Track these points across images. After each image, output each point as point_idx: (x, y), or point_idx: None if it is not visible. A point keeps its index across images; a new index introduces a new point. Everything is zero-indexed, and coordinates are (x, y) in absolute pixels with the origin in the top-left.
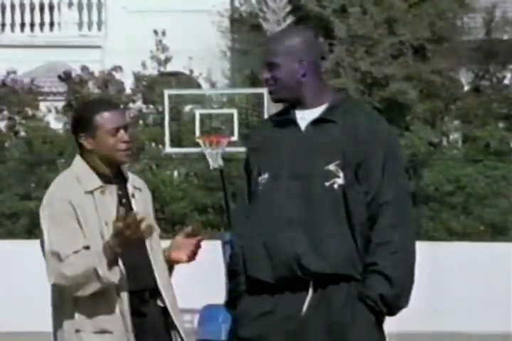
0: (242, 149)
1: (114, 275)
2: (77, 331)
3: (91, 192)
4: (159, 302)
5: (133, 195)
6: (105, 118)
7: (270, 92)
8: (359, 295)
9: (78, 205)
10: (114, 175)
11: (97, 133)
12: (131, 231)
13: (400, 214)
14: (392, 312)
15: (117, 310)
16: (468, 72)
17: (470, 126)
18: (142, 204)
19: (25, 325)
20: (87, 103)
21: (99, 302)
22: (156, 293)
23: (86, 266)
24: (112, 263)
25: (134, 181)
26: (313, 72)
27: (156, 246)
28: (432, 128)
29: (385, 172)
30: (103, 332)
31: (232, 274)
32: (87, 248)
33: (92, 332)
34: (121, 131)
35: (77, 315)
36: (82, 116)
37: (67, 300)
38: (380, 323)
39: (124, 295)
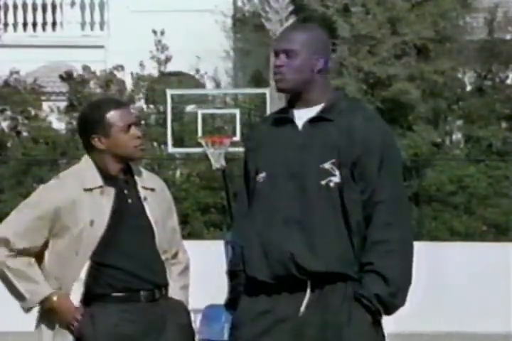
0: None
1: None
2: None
3: (90, 189)
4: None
5: (145, 198)
6: (116, 117)
7: (277, 81)
8: (355, 294)
9: (64, 206)
10: (122, 174)
11: (110, 132)
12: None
13: (395, 213)
14: (389, 311)
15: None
16: (471, 72)
17: (473, 126)
18: (156, 206)
19: (26, 324)
20: (93, 103)
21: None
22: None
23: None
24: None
25: (145, 181)
26: (325, 71)
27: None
28: (435, 128)
29: (381, 172)
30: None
31: (232, 275)
32: (20, 251)
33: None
34: (133, 128)
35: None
36: (92, 117)
37: None
38: (377, 323)
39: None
